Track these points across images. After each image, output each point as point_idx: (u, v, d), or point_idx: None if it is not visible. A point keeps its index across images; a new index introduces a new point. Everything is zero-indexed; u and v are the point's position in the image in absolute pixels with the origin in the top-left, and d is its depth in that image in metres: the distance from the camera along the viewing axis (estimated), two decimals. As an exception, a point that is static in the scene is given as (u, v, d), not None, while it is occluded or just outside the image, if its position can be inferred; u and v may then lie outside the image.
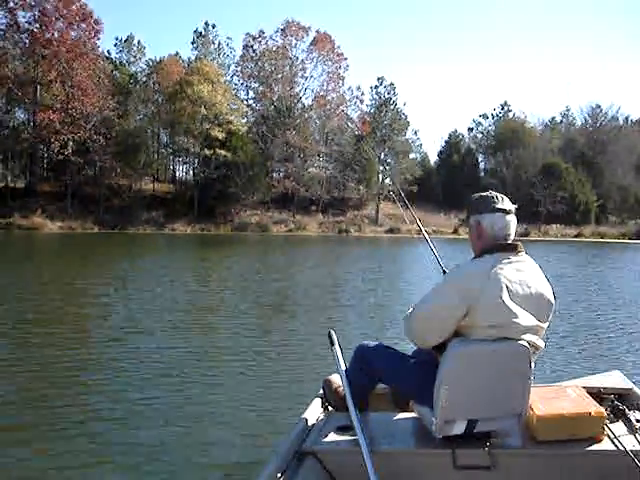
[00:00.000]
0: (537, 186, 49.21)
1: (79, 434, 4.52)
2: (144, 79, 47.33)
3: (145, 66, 49.72)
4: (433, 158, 61.81)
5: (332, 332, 3.07)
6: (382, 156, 51.67)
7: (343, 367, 2.90)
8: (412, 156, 57.02)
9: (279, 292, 12.88)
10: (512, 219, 2.62)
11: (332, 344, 3.01)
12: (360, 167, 47.89)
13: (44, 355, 6.88)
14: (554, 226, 48.42)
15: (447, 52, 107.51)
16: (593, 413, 2.58)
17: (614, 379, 3.41)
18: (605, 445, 2.57)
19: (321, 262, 20.26)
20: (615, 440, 2.58)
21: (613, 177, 55.51)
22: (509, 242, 2.59)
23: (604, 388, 3.16)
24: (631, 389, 3.19)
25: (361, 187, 49.20)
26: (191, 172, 47.21)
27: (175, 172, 50.93)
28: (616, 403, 2.89)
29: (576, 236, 46.70)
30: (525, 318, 2.48)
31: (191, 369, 6.42)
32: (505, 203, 2.62)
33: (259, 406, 5.24)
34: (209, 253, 25.52)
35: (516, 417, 2.58)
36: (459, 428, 2.57)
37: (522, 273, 2.53)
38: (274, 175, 48.11)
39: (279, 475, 2.42)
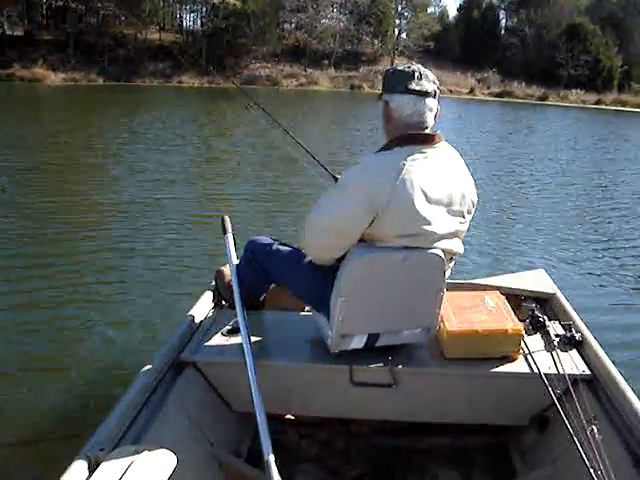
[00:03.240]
0: (560, 48, 46.87)
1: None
2: None
3: None
4: (452, 13, 59.26)
5: (226, 218, 2.74)
6: (399, 9, 49.27)
7: (235, 261, 2.59)
8: (430, 10, 54.65)
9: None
10: (430, 103, 2.07)
11: (225, 232, 2.70)
12: (375, 20, 45.60)
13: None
14: (574, 91, 46.66)
15: None
16: (510, 330, 2.29)
17: (538, 280, 3.15)
18: (519, 366, 2.32)
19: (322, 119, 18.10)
20: (530, 359, 2.33)
21: (641, 42, 52.85)
22: (424, 132, 2.08)
23: (526, 291, 2.95)
24: (554, 294, 2.96)
25: (376, 41, 47.19)
26: (199, 21, 45.15)
27: (182, 21, 48.71)
28: (536, 313, 2.63)
29: (596, 102, 45.06)
30: (441, 224, 2.07)
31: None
32: (424, 83, 2.05)
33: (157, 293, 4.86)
34: (212, 107, 24.40)
35: (424, 331, 2.31)
36: (358, 342, 2.26)
37: (439, 169, 2.06)
38: (285, 26, 46.10)
39: (152, 384, 2.15)
